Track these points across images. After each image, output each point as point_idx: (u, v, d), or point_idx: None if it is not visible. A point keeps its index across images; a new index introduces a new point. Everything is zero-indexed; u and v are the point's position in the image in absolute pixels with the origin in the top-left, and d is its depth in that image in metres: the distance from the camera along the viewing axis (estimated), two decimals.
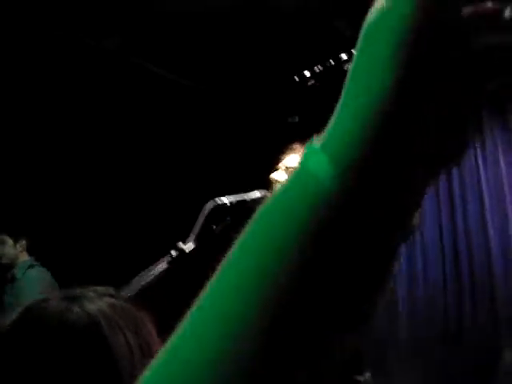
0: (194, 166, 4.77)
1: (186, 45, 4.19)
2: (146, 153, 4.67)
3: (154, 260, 1.62)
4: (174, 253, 1.64)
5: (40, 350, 0.74)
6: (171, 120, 4.64)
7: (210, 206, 1.75)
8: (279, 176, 2.23)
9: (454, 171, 4.16)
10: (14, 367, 0.73)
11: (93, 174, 4.55)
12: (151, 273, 1.58)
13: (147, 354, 0.79)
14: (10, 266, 3.86)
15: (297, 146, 2.27)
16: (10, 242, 3.86)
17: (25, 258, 3.91)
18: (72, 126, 4.36)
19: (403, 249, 4.25)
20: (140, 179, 4.63)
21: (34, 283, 3.73)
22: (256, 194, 2.01)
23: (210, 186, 1.98)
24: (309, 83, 4.58)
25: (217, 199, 1.79)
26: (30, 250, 3.95)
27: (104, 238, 4.41)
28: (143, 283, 1.56)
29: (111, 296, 0.87)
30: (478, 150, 4.25)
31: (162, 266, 1.61)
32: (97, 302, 0.83)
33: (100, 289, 0.89)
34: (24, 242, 3.92)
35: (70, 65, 4.05)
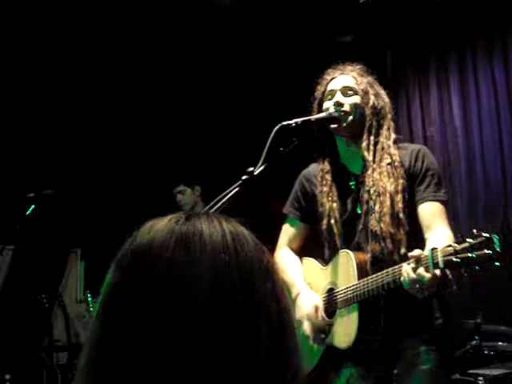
0: (257, 93, 4.71)
1: None
2: (217, 86, 4.67)
3: (229, 185, 1.71)
4: (244, 177, 1.71)
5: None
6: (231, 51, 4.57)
7: (276, 129, 1.80)
8: (329, 104, 2.07)
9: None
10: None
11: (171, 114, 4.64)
12: (226, 197, 1.68)
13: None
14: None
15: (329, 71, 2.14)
16: (188, 190, 4.18)
17: (200, 203, 4.18)
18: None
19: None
20: (215, 113, 4.69)
21: None
22: (321, 114, 2.05)
23: (281, 115, 1.99)
24: (361, 1, 4.35)
25: (283, 122, 1.83)
26: (203, 196, 4.20)
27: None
28: (219, 206, 1.66)
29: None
30: None
31: (234, 189, 1.69)
32: None
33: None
34: (199, 188, 4.20)
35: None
